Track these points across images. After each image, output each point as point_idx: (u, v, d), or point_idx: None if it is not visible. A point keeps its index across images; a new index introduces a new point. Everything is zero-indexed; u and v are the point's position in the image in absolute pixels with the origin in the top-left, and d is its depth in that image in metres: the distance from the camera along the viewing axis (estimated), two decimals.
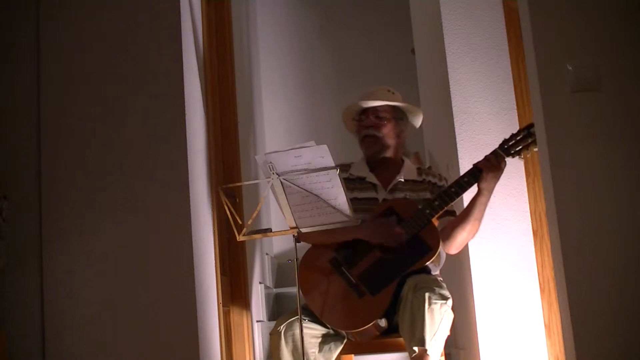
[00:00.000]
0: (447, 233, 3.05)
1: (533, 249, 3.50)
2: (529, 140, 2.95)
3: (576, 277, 2.47)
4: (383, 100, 3.15)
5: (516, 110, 3.62)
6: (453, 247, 3.07)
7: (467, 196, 3.07)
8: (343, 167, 3.08)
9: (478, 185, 2.98)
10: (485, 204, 3.01)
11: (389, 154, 3.17)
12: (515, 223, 3.52)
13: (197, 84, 3.29)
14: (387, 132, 3.14)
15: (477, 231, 3.06)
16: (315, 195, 2.61)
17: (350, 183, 3.09)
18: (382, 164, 3.17)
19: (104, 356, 2.83)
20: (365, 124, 3.16)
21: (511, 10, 3.67)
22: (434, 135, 4.29)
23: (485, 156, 2.99)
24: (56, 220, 2.93)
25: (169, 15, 3.04)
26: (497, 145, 3.01)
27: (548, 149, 2.56)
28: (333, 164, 2.57)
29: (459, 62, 3.69)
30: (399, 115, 3.17)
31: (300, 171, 2.58)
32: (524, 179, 3.55)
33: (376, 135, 3.13)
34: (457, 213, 3.14)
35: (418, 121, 3.24)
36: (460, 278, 3.66)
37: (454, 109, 3.65)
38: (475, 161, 3.06)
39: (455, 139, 3.62)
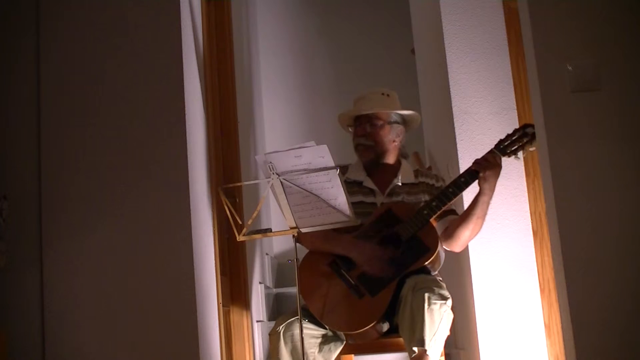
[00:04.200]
0: (451, 232, 3.03)
1: (533, 249, 3.50)
2: (524, 140, 2.95)
3: (576, 277, 2.47)
4: (377, 105, 3.14)
5: (516, 110, 3.61)
6: (457, 245, 3.05)
7: (468, 196, 3.07)
8: (340, 169, 3.06)
9: (479, 184, 2.98)
10: (488, 203, 2.99)
11: (385, 159, 3.15)
12: (515, 223, 3.52)
13: (197, 84, 3.28)
14: (381, 139, 3.12)
15: (480, 229, 3.04)
16: (315, 195, 2.61)
17: (348, 186, 3.05)
18: (379, 168, 3.16)
19: (104, 356, 2.83)
20: (357, 133, 3.16)
21: (511, 10, 3.67)
22: (434, 135, 4.29)
23: (482, 157, 2.99)
24: (56, 220, 2.93)
25: (169, 15, 3.04)
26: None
27: (548, 149, 2.56)
28: (333, 164, 2.56)
29: (459, 62, 3.69)
30: (394, 119, 3.15)
31: (300, 171, 2.58)
32: (524, 179, 3.55)
33: (368, 144, 3.13)
34: (459, 212, 3.13)
35: (415, 122, 3.23)
36: (460, 278, 3.66)
37: (454, 109, 3.64)
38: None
39: (455, 139, 3.61)
